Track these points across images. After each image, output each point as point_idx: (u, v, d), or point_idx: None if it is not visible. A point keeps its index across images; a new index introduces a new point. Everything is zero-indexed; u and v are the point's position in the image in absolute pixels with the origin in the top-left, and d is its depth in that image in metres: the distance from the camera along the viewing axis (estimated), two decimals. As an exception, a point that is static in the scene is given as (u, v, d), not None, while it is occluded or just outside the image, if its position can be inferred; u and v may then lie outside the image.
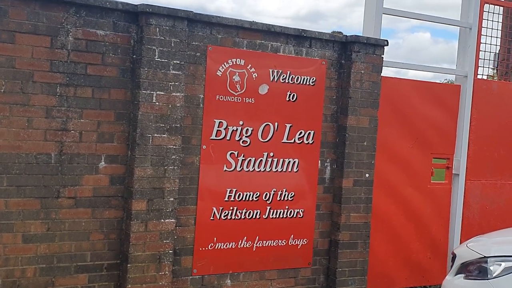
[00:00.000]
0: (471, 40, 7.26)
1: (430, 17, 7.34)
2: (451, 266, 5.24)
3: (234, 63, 5.59)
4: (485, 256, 4.85)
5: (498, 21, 7.63)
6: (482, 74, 7.49)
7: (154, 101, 5.12)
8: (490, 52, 7.53)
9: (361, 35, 6.31)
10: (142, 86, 5.07)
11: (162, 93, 5.16)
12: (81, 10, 4.91)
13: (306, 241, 6.09)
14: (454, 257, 5.25)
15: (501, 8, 7.80)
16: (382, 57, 6.26)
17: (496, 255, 4.82)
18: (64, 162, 4.91)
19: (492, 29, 7.53)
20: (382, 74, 6.31)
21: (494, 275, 4.70)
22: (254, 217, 5.80)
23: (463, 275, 4.94)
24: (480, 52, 7.37)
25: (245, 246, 5.78)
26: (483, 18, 7.37)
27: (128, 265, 5.10)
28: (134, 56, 5.12)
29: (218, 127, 5.55)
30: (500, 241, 5.33)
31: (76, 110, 4.94)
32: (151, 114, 5.12)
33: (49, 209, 4.89)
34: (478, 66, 7.35)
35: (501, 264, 4.70)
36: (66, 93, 4.89)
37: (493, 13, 7.53)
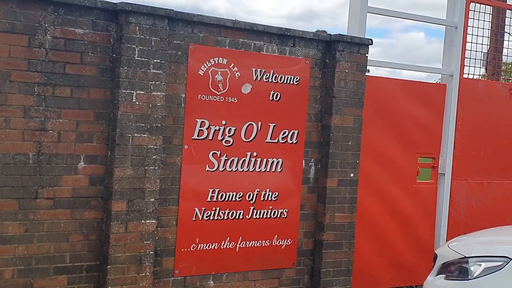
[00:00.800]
0: (457, 39, 7.24)
1: (416, 16, 7.33)
2: (433, 267, 5.21)
3: (217, 62, 5.54)
4: (465, 257, 4.82)
5: (484, 20, 7.62)
6: (468, 74, 7.46)
7: (134, 100, 5.06)
8: (476, 51, 7.51)
9: (346, 34, 6.28)
10: (122, 85, 5.01)
11: (142, 92, 5.10)
12: (59, 9, 4.84)
13: (290, 241, 6.05)
14: (436, 257, 5.22)
15: (489, 7, 7.77)
16: (367, 56, 6.23)
17: (477, 255, 4.79)
18: (42, 162, 4.85)
19: (478, 28, 7.52)
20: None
21: (474, 275, 4.66)
22: (237, 217, 5.75)
23: (444, 275, 4.90)
24: (466, 51, 7.35)
25: (228, 246, 5.73)
26: (470, 17, 7.35)
27: (108, 266, 5.04)
28: (114, 55, 5.07)
29: (200, 127, 5.50)
30: (482, 241, 5.29)
31: (54, 109, 4.87)
32: (131, 114, 5.07)
33: (27, 210, 4.82)
34: (464, 65, 7.32)
35: (481, 265, 4.67)
36: (44, 92, 4.83)
37: (479, 12, 7.51)
